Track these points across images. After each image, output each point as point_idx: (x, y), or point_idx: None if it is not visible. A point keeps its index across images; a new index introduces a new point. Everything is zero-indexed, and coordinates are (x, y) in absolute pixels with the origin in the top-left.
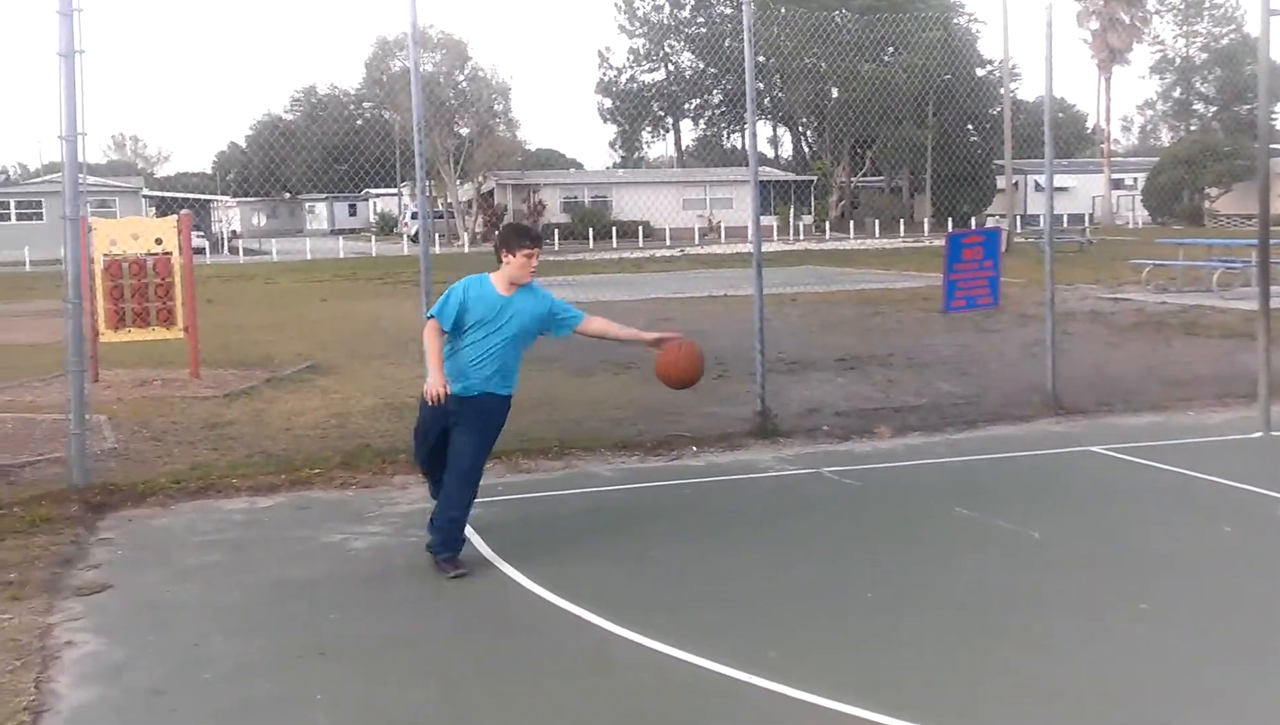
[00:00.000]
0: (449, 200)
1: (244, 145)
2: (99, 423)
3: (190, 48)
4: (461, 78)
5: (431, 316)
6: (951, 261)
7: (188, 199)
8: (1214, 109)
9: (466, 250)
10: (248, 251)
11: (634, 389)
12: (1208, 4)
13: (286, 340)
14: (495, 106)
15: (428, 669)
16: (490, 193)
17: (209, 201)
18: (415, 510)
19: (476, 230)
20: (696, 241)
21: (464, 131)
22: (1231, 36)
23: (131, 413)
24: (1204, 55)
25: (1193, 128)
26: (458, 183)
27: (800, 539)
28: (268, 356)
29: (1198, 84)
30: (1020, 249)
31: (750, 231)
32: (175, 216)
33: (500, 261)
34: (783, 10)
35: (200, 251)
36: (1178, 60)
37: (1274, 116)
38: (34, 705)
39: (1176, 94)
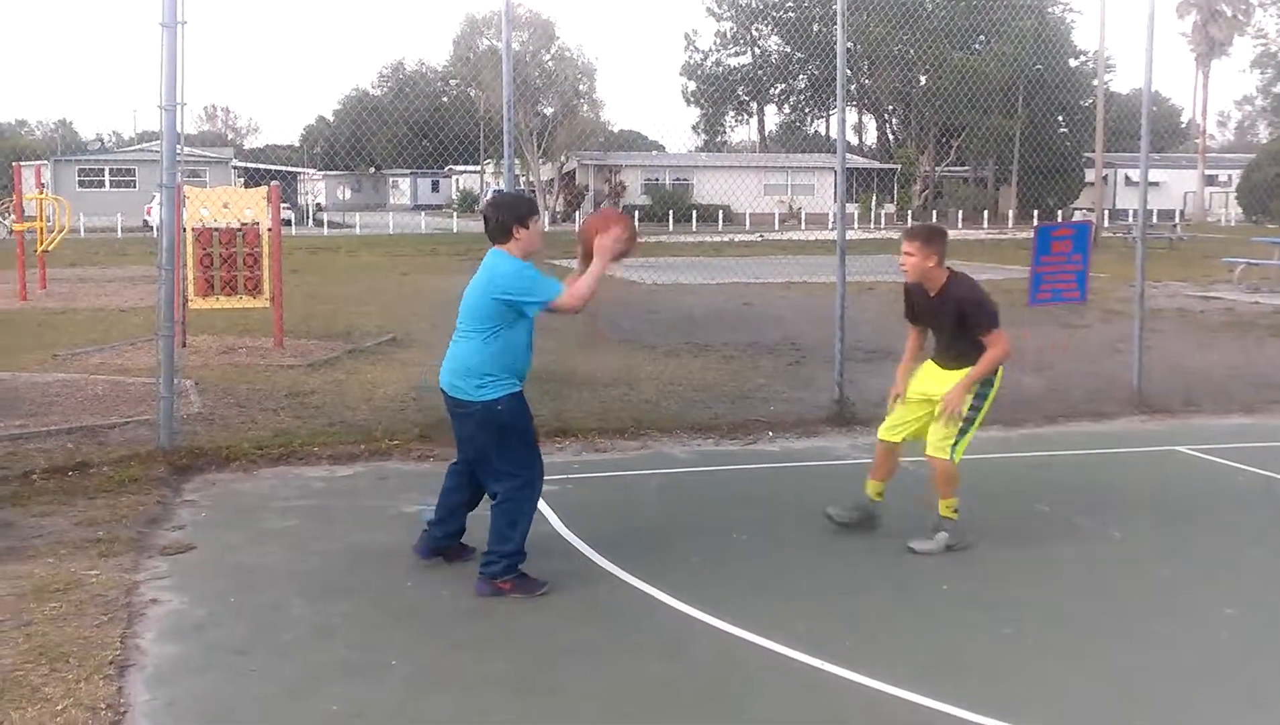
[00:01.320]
0: (531, 179)
1: (331, 119)
2: (186, 387)
3: (282, 21)
4: (548, 57)
5: (551, 296)
6: (1040, 254)
7: (276, 171)
8: None
9: (547, 228)
10: (332, 225)
11: (712, 371)
12: None
13: (368, 313)
14: (580, 87)
15: (500, 638)
16: (572, 173)
17: (296, 174)
18: None
19: (558, 209)
20: (776, 227)
21: (548, 111)
22: None
23: (217, 379)
24: None
25: None
26: (540, 161)
27: (876, 531)
28: (349, 328)
29: None
30: (1108, 244)
31: (835, 219)
32: (265, 188)
33: (511, 236)
34: None
35: (287, 223)
36: None
37: None
38: (120, 659)
39: (1277, 89)
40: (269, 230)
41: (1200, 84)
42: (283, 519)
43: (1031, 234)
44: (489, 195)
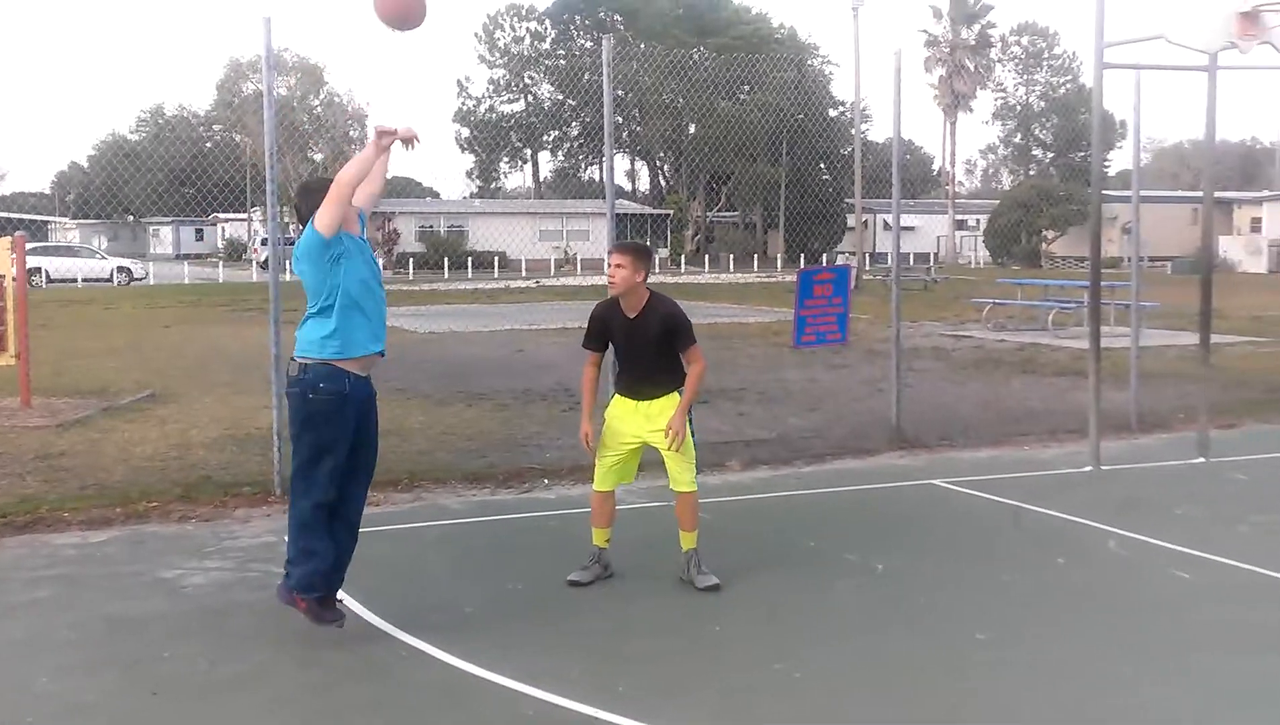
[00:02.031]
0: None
1: (85, 165)
2: None
3: (31, 62)
4: (316, 102)
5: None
6: (802, 298)
7: (23, 220)
8: (1051, 155)
9: None
10: (86, 278)
11: (485, 419)
12: (1047, 55)
13: (125, 368)
14: (351, 132)
15: (268, 710)
16: None
17: (46, 223)
18: (257, 544)
19: None
20: (552, 273)
21: (318, 157)
22: (1068, 86)
23: None
24: (1042, 103)
25: (1031, 172)
26: None
27: (650, 573)
28: (105, 385)
29: (1036, 130)
30: (869, 286)
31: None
32: (8, 238)
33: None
34: (642, 46)
35: (36, 273)
36: (1018, 107)
37: (1106, 163)
38: None
39: (1017, 140)
40: (13, 282)
41: (948, 134)
42: (30, 591)
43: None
44: (257, 243)
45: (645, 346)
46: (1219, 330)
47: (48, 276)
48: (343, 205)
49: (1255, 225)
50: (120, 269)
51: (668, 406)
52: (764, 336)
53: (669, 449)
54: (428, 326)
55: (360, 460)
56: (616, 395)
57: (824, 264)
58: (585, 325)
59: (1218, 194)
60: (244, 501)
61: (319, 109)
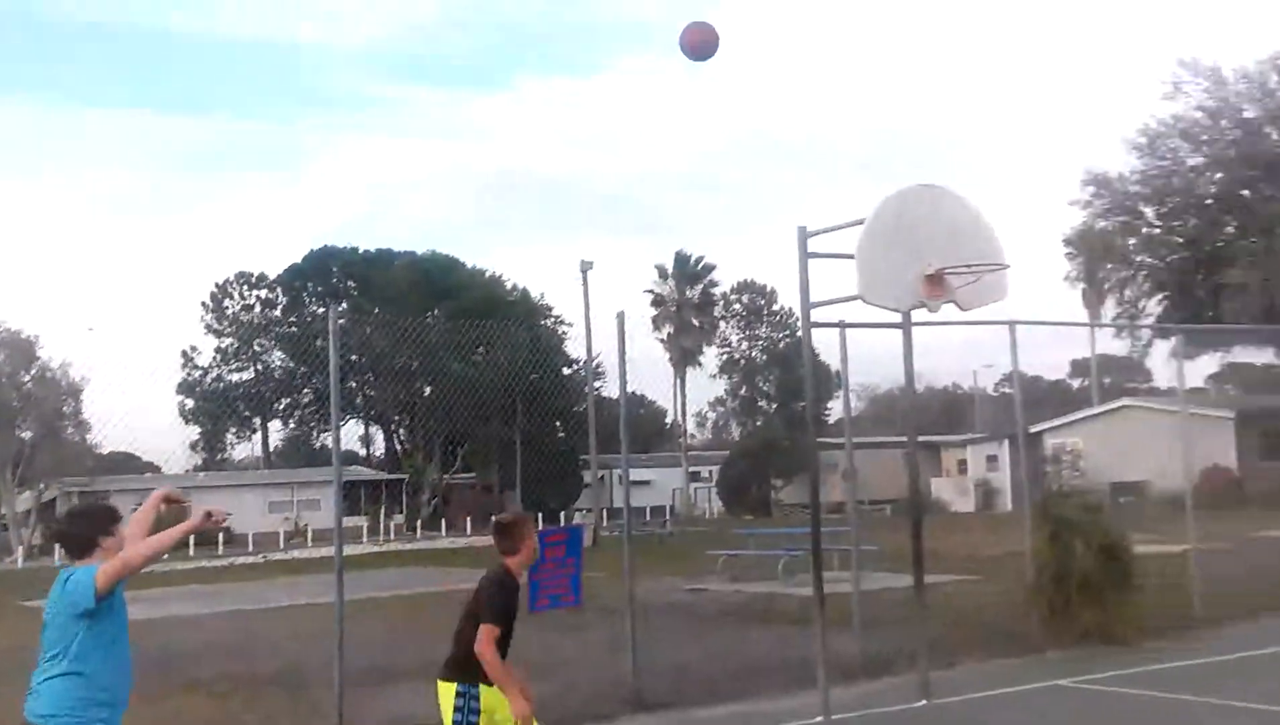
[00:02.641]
0: (3, 510)
1: None
2: None
3: None
4: (27, 378)
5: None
6: (537, 562)
7: None
8: (775, 405)
9: (20, 565)
10: None
11: (205, 708)
12: (766, 312)
13: None
14: (64, 408)
15: None
16: (53, 502)
17: None
18: None
19: (34, 542)
20: (282, 545)
21: (26, 435)
22: (787, 340)
23: None
24: (764, 357)
25: (758, 423)
26: (16, 490)
27: None
28: None
29: (760, 383)
30: (607, 542)
31: (335, 536)
32: None
33: (96, 547)
34: (376, 311)
35: None
36: (743, 361)
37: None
38: None
39: (743, 392)
40: None
41: (679, 388)
42: None
43: None
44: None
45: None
46: (936, 570)
47: None
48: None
49: (961, 466)
50: None
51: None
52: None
53: None
54: (145, 613)
55: None
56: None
57: (562, 522)
58: (314, 600)
59: (927, 438)
60: None
61: (30, 385)
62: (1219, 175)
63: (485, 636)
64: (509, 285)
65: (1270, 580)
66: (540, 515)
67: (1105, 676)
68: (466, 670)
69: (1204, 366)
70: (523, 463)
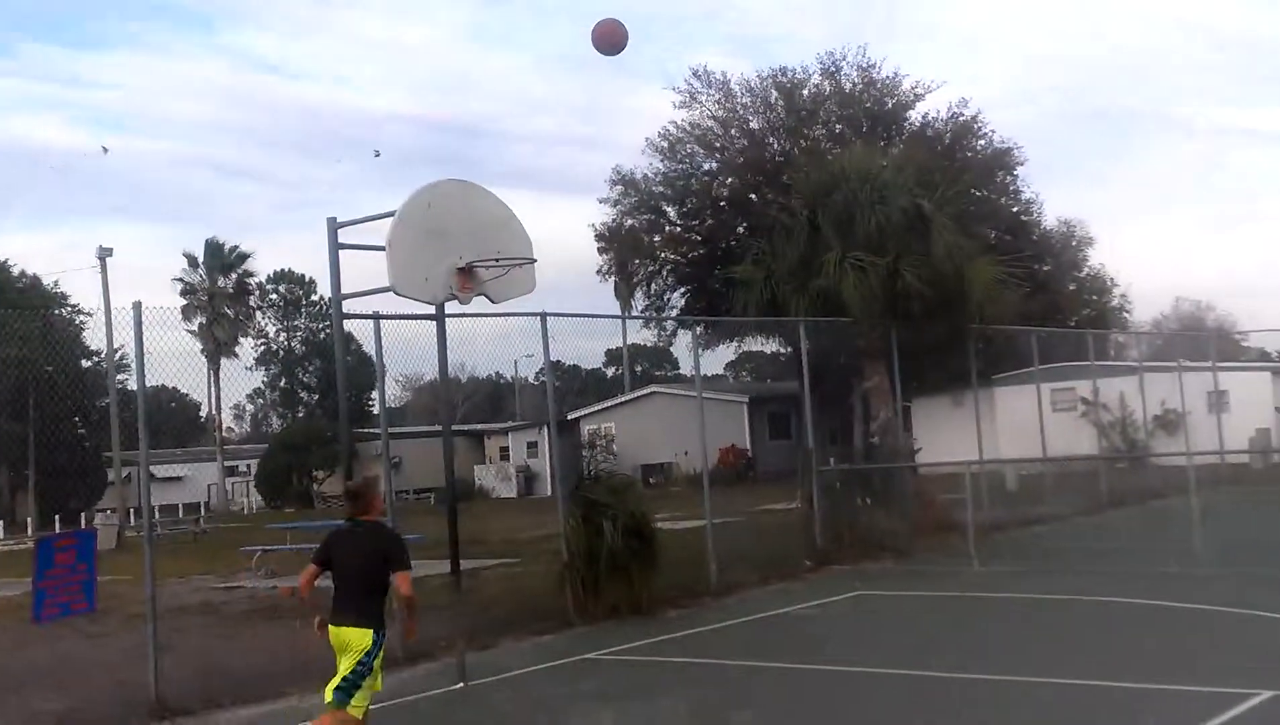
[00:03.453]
0: None
1: None
2: None
3: None
4: None
5: None
6: (42, 568)
7: None
8: (316, 397)
9: None
10: None
11: None
12: (305, 302)
13: None
14: None
15: None
16: None
17: None
18: None
19: None
20: None
21: None
22: (327, 331)
23: None
24: (304, 348)
25: (300, 415)
26: None
27: None
28: None
29: (300, 374)
30: (134, 543)
31: None
32: None
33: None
34: None
35: None
36: (281, 352)
37: (370, 403)
38: None
39: (282, 384)
40: None
41: (213, 381)
42: None
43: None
44: None
45: None
46: (478, 555)
47: None
48: None
49: (504, 453)
50: None
51: None
52: (9, 612)
53: None
54: None
55: None
56: None
57: (84, 524)
58: None
59: (470, 426)
60: None
61: None
62: (730, 180)
63: (408, 579)
64: (15, 271)
65: (774, 549)
66: (59, 517)
67: (631, 646)
68: (380, 617)
69: (722, 355)
70: (38, 461)
